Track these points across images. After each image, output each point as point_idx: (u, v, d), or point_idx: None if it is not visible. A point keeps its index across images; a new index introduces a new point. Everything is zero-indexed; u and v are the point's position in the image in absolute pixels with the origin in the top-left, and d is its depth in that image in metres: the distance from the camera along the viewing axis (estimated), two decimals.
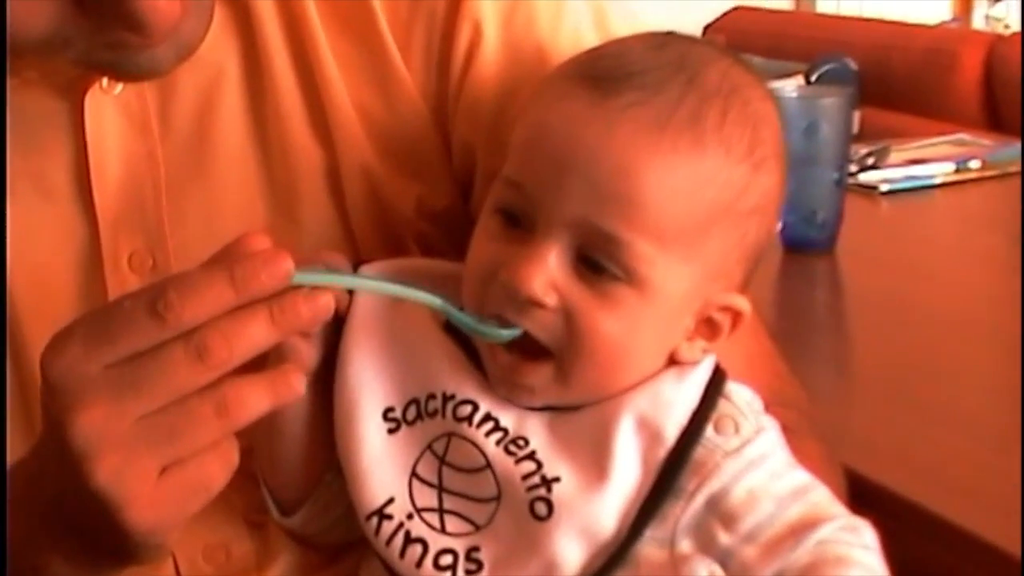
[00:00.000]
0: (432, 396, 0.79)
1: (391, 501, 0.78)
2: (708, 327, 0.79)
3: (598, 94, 0.75)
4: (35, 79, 0.84)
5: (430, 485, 0.78)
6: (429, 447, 0.78)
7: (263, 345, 0.70)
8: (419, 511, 0.77)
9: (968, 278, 1.66)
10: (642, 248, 0.74)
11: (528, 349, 0.76)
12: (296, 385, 0.71)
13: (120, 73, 0.80)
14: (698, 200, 0.75)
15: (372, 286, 0.79)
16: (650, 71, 0.75)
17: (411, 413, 0.79)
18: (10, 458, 0.82)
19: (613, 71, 0.75)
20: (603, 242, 0.74)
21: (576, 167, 0.74)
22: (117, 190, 0.86)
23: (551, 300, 0.74)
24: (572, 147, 0.74)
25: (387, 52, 0.87)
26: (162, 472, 0.69)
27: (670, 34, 0.80)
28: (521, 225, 0.76)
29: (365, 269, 0.83)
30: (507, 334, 0.75)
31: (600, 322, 0.75)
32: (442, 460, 0.78)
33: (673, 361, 0.78)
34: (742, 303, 0.79)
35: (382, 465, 0.78)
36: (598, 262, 0.74)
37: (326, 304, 0.71)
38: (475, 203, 0.90)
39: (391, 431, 0.79)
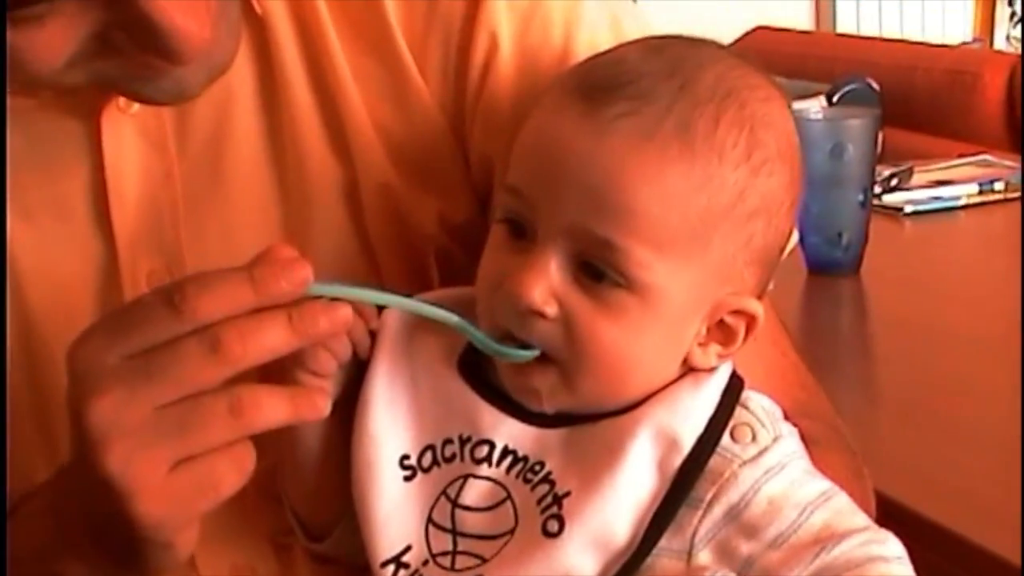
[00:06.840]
0: (449, 441, 0.78)
1: (408, 549, 0.77)
2: (721, 332, 0.78)
3: (590, 104, 0.74)
4: (51, 100, 0.84)
5: (444, 530, 0.77)
6: (444, 492, 0.78)
7: (279, 349, 0.70)
8: (434, 556, 0.77)
9: (993, 299, 1.65)
10: (640, 254, 0.73)
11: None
12: (321, 405, 0.71)
13: (143, 98, 0.80)
14: (691, 206, 0.74)
15: (390, 300, 0.78)
16: (641, 79, 0.75)
17: (427, 460, 0.79)
18: (29, 477, 0.82)
19: (607, 80, 0.75)
20: (600, 249, 0.74)
21: (568, 176, 0.74)
22: (135, 209, 0.86)
23: (551, 309, 0.74)
24: (564, 156, 0.74)
25: (404, 65, 0.87)
26: (173, 467, 0.69)
27: (670, 37, 0.79)
28: (525, 235, 0.76)
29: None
30: (525, 354, 0.75)
31: (601, 330, 0.74)
32: (454, 503, 0.77)
33: (689, 368, 0.78)
34: (755, 307, 0.78)
35: (399, 513, 0.78)
36: (598, 268, 0.74)
37: (344, 316, 0.71)
38: (492, 215, 0.90)
39: (407, 479, 0.79)
